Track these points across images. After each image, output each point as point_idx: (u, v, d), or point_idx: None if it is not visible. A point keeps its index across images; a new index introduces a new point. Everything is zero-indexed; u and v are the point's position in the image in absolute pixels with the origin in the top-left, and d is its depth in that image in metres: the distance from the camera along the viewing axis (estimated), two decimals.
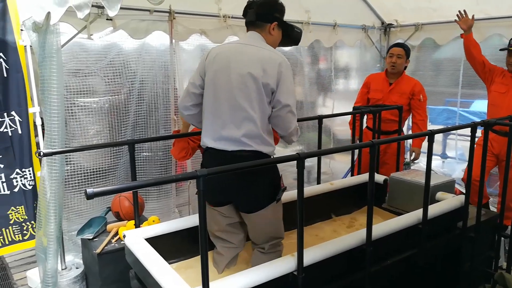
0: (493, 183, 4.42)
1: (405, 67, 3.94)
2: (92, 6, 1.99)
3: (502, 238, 2.94)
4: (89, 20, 2.74)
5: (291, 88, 2.04)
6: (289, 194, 2.58)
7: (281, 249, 2.27)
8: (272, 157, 2.11)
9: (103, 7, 2.63)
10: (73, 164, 3.04)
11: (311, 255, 1.92)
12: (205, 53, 2.21)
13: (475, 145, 2.56)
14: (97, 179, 3.15)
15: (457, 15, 3.56)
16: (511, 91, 3.45)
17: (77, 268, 2.86)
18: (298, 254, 1.81)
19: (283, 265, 1.87)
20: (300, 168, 1.73)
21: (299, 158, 1.73)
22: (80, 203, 3.11)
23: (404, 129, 3.99)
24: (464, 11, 3.55)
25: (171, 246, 2.30)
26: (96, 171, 3.15)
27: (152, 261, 1.93)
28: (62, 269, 2.79)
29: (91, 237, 2.73)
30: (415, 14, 4.69)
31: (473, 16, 3.51)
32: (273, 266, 1.86)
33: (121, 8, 1.90)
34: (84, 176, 3.10)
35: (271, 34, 2.15)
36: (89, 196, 1.31)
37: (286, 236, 2.47)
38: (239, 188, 2.06)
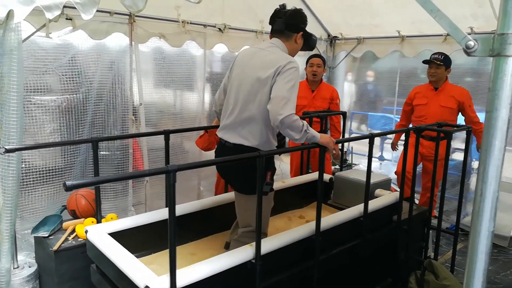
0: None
1: (322, 76, 4.36)
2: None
3: (430, 231, 3.32)
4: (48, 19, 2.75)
5: (286, 84, 2.11)
6: None
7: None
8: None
9: (64, 6, 2.65)
10: (28, 162, 3.00)
11: (268, 245, 2.11)
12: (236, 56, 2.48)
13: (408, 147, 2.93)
14: (52, 178, 3.13)
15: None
16: (432, 101, 3.92)
17: (30, 267, 2.83)
18: (256, 243, 2.00)
19: (242, 254, 2.04)
20: (261, 165, 1.92)
21: (260, 156, 1.92)
22: (34, 202, 3.07)
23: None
24: None
25: (134, 241, 2.38)
26: (52, 170, 3.13)
27: (117, 254, 2.00)
28: (14, 268, 2.75)
29: (46, 235, 2.71)
30: (358, 28, 5.09)
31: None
32: (233, 255, 2.03)
33: None
34: (40, 174, 3.06)
35: (296, 43, 2.36)
36: (68, 188, 1.40)
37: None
38: (233, 171, 2.35)
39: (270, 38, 2.40)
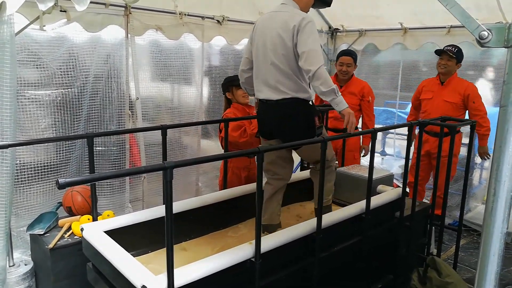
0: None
1: (353, 72, 4.24)
2: None
3: (433, 227, 3.27)
4: (42, 11, 2.68)
5: (308, 38, 2.29)
6: (249, 186, 2.75)
7: (333, 168, 2.71)
8: (310, 101, 2.51)
9: None
10: (22, 158, 2.94)
11: (267, 243, 2.06)
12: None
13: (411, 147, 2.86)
14: (47, 174, 3.07)
15: None
16: (436, 95, 3.83)
17: (25, 264, 2.78)
18: (256, 241, 1.94)
19: (242, 252, 1.99)
20: (260, 160, 1.86)
21: (259, 152, 1.86)
22: (29, 198, 3.01)
23: (359, 126, 4.34)
24: None
25: (131, 239, 2.32)
26: (47, 166, 3.07)
27: (114, 253, 1.95)
28: (9, 266, 2.71)
29: (42, 233, 2.67)
30: (360, 20, 5.00)
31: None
32: (232, 254, 1.97)
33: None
34: (34, 170, 3.01)
35: None
36: (61, 186, 1.34)
37: (242, 228, 2.59)
38: (282, 131, 2.50)
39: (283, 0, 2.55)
